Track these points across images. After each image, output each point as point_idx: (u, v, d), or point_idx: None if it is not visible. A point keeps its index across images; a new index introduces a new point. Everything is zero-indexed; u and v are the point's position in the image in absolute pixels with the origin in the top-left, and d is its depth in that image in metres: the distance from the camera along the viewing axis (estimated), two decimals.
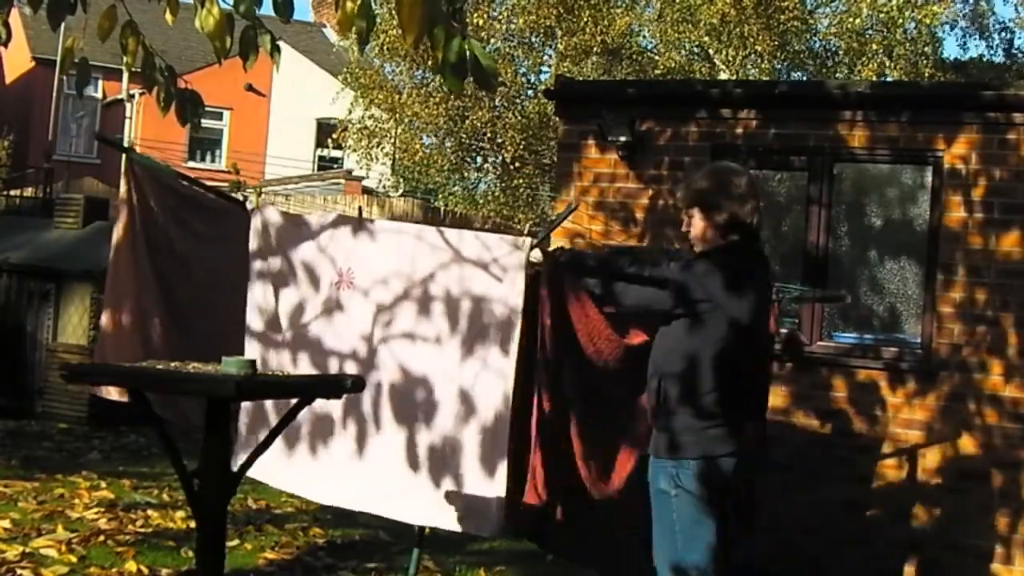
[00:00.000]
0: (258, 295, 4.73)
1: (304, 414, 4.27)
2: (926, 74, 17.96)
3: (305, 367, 4.63)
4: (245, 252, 4.73)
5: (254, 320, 4.71)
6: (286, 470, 4.69)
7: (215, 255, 4.86)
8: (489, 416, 4.36)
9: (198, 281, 4.83)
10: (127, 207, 4.64)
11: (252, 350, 4.61)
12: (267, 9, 3.36)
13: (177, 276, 4.79)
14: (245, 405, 4.70)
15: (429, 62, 15.85)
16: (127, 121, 27.99)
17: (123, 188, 4.65)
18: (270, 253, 4.72)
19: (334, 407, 4.55)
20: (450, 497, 4.43)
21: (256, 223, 4.73)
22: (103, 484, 7.09)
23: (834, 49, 19.31)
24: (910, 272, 6.15)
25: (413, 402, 4.50)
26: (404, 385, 4.51)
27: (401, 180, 21.59)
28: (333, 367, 4.59)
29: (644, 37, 19.92)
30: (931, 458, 5.84)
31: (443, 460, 4.43)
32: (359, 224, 4.65)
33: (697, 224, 3.88)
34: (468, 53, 2.89)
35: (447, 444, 4.42)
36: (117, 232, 4.68)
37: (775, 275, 6.11)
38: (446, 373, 4.44)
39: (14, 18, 8.55)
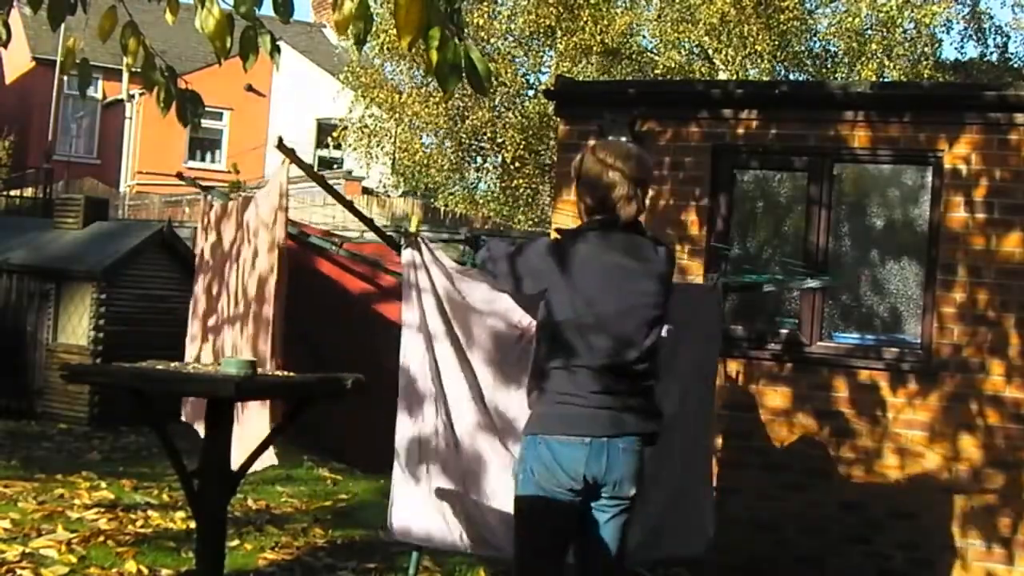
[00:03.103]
0: (411, 331, 4.55)
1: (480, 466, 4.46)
2: (926, 74, 17.96)
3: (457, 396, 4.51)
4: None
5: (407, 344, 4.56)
6: (453, 528, 4.62)
7: None
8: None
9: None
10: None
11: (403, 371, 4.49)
12: (267, 9, 3.36)
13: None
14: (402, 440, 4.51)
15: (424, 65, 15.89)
16: (127, 121, 27.99)
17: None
18: (423, 286, 4.56)
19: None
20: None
21: (411, 257, 4.59)
22: (103, 484, 7.09)
23: (834, 50, 19.31)
24: (911, 272, 6.15)
25: None
26: None
27: (401, 180, 21.57)
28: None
29: (644, 37, 19.91)
30: (931, 458, 5.83)
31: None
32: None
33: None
34: (463, 56, 2.89)
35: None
36: None
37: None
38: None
39: (14, 18, 8.54)
